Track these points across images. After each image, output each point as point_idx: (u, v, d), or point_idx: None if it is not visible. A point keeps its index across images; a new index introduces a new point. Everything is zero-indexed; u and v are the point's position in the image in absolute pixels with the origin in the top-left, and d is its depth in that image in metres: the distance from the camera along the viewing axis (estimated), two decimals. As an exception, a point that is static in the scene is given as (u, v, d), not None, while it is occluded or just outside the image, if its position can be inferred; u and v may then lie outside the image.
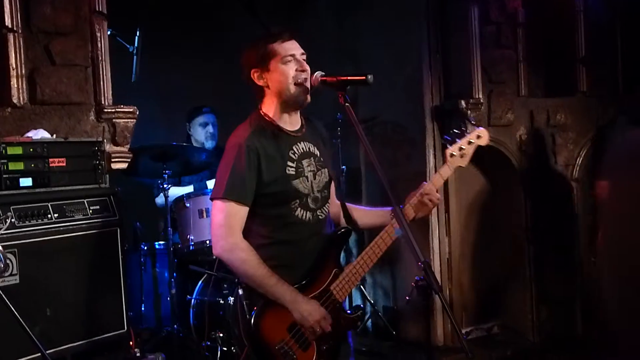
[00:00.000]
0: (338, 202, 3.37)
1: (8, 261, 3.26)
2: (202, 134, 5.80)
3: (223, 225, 2.99)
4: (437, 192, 3.21)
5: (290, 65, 3.07)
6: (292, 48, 3.10)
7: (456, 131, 3.31)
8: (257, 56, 3.08)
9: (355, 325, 3.25)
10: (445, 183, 5.81)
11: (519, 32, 5.98)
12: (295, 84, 3.06)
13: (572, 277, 6.16)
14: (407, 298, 3.01)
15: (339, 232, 3.24)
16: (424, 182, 3.23)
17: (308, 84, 3.07)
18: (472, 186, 6.06)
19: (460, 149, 3.25)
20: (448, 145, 3.27)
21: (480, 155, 5.84)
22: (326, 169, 3.23)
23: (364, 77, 3.01)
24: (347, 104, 2.99)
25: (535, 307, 5.99)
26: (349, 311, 3.17)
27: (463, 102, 5.61)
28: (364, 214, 3.37)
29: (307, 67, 3.09)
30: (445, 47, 5.85)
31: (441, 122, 5.81)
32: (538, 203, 6.02)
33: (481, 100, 5.68)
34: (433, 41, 5.84)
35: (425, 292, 2.82)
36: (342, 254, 5.56)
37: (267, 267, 2.99)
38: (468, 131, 3.31)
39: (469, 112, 5.62)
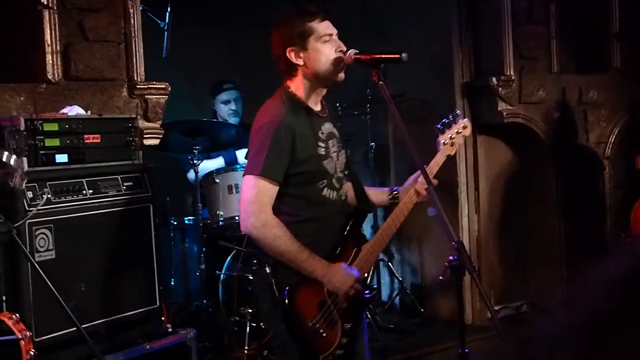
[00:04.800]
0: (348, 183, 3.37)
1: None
2: (224, 111, 5.72)
3: (254, 202, 2.98)
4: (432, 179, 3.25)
5: (328, 45, 3.06)
6: (329, 27, 3.09)
7: (445, 121, 3.40)
8: (295, 34, 3.05)
9: (369, 305, 3.29)
10: (475, 160, 5.79)
11: (551, 7, 5.91)
12: (333, 63, 3.05)
13: (603, 255, 6.09)
14: (441, 278, 3.01)
15: (357, 212, 3.26)
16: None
17: (344, 63, 3.07)
18: (502, 164, 6.03)
19: (451, 137, 3.35)
20: (439, 134, 3.35)
21: (512, 133, 5.85)
22: (344, 151, 3.26)
23: (398, 56, 2.99)
24: (381, 82, 2.98)
25: (565, 286, 5.96)
26: (366, 292, 3.19)
27: (494, 79, 5.56)
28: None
29: (344, 47, 3.08)
30: (475, 22, 5.79)
31: (471, 99, 5.78)
32: (569, 181, 5.97)
33: (512, 77, 5.63)
34: (463, 16, 5.78)
35: (458, 272, 2.82)
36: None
37: (299, 242, 3.01)
38: (455, 121, 3.41)
39: (499, 89, 5.58)
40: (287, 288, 3.03)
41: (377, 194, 3.43)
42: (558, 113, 5.92)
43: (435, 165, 3.30)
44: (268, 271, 3.08)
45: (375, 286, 5.58)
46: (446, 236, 2.76)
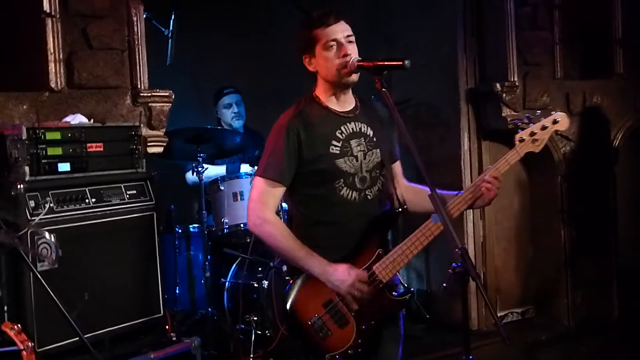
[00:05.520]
0: (406, 184, 3.32)
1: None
2: (228, 115, 5.81)
3: (256, 201, 3.05)
4: (499, 179, 3.11)
5: (332, 50, 3.05)
6: (336, 32, 3.06)
7: (529, 115, 3.12)
8: (303, 42, 3.10)
9: (400, 308, 3.22)
10: (480, 166, 5.77)
11: (555, 13, 5.92)
12: (338, 68, 3.05)
13: (608, 260, 6.11)
14: (444, 285, 2.98)
15: (386, 214, 3.22)
16: (489, 166, 3.15)
17: (348, 68, 3.05)
18: (507, 169, 6.00)
19: (532, 133, 3.07)
20: (519, 130, 3.12)
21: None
22: (378, 150, 3.18)
23: (401, 62, 2.97)
24: (384, 89, 2.96)
25: (570, 291, 5.94)
26: (394, 293, 3.14)
27: (498, 85, 5.57)
28: (423, 199, 3.07)
29: (349, 51, 3.05)
30: (480, 28, 5.80)
31: (476, 105, 5.78)
32: (574, 186, 5.96)
33: (516, 83, 5.63)
34: (468, 22, 5.79)
35: (462, 278, 2.81)
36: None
37: (297, 240, 3.02)
38: (543, 115, 3.10)
39: (504, 95, 5.58)
40: (290, 282, 3.06)
41: (443, 199, 3.06)
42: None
43: (505, 163, 3.09)
44: (285, 269, 3.10)
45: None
46: (450, 243, 2.74)
